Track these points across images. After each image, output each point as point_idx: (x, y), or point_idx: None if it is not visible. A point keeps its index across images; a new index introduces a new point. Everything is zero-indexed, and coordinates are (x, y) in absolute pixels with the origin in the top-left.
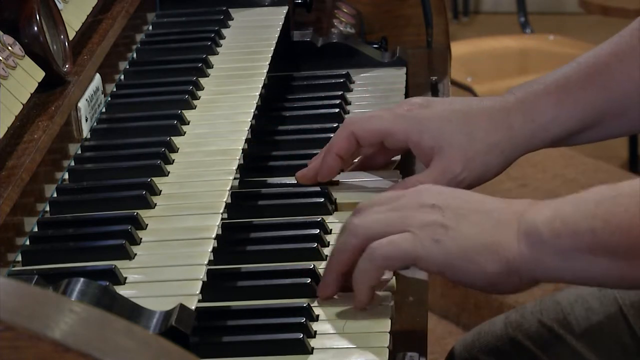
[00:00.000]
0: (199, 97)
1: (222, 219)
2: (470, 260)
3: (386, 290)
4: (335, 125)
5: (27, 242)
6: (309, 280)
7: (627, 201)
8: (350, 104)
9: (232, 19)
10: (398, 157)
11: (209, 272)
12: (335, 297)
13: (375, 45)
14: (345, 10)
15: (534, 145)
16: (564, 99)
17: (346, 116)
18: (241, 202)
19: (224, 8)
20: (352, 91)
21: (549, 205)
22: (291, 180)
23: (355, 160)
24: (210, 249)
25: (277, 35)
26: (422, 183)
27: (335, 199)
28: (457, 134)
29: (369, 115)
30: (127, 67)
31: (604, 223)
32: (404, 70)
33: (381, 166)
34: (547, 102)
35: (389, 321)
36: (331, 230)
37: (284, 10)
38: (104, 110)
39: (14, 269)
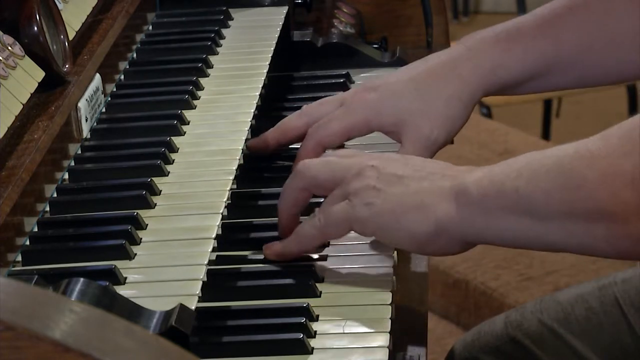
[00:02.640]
0: (199, 97)
1: (222, 219)
2: (398, 220)
3: (386, 290)
4: None
5: (27, 242)
6: (309, 281)
7: (550, 162)
8: None
9: (232, 19)
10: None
11: (209, 272)
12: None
13: (375, 45)
14: (345, 10)
15: (488, 89)
16: (513, 46)
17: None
18: (241, 202)
19: (224, 8)
20: None
21: (484, 168)
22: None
23: None
24: (210, 249)
25: (277, 35)
26: None
27: None
28: (413, 102)
29: (327, 120)
30: (127, 67)
31: (526, 183)
32: None
33: None
34: (496, 48)
35: (389, 321)
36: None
37: (284, 10)
38: (104, 110)
39: (14, 269)
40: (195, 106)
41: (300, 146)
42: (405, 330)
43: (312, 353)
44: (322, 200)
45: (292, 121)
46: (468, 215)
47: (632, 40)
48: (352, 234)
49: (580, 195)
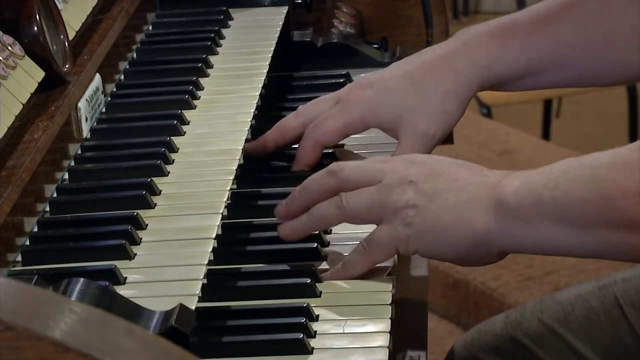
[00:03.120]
0: (199, 97)
1: (222, 219)
2: (438, 237)
3: (386, 290)
4: None
5: (27, 242)
6: (309, 280)
7: (587, 172)
8: None
9: (232, 19)
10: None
11: (209, 272)
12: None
13: (375, 45)
14: (345, 10)
15: (483, 84)
16: (509, 41)
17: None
18: (241, 202)
19: (224, 8)
20: None
21: (519, 176)
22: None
23: None
24: (210, 249)
25: (277, 35)
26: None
27: None
28: (410, 97)
29: (321, 119)
30: (127, 67)
31: (563, 193)
32: None
33: None
34: (491, 43)
35: (389, 321)
36: (331, 230)
37: (284, 10)
38: (104, 110)
39: (14, 269)
40: (195, 106)
41: (299, 146)
42: (405, 330)
43: (312, 353)
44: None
45: (289, 122)
46: (507, 226)
47: (629, 40)
48: (354, 230)
49: (618, 206)
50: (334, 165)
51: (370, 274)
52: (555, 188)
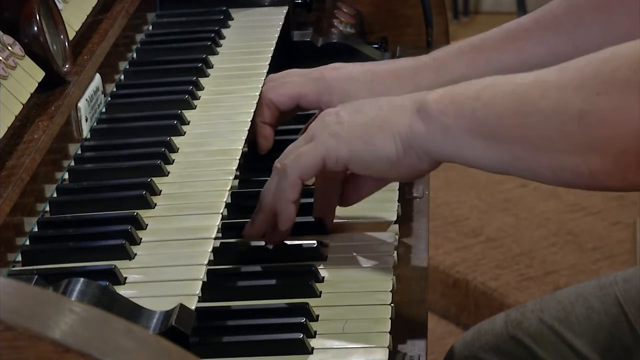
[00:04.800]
0: (199, 97)
1: (222, 219)
2: (366, 142)
3: (386, 290)
4: None
5: (27, 242)
6: (309, 280)
7: (509, 88)
8: None
9: (232, 19)
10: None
11: (209, 272)
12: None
13: (375, 45)
14: (345, 10)
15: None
16: (476, 58)
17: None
18: (241, 202)
19: (224, 8)
20: None
21: (445, 87)
22: None
23: None
24: (210, 249)
25: (277, 35)
26: None
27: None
28: (361, 91)
29: (283, 81)
30: (127, 67)
31: (483, 106)
32: None
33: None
34: (459, 60)
35: (389, 321)
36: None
37: (284, 10)
38: (104, 110)
39: (14, 269)
40: (195, 106)
41: (257, 105)
42: (405, 330)
43: (312, 353)
44: None
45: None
46: (429, 130)
47: (600, 49)
48: (354, 230)
49: (531, 123)
50: (278, 169)
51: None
52: (476, 100)
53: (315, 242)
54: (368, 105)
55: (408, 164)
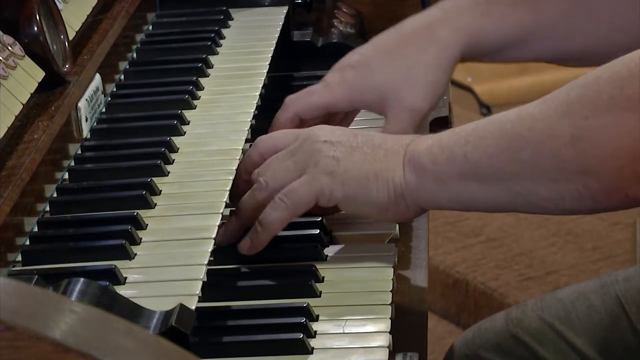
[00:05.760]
0: (199, 97)
1: (222, 219)
2: (361, 187)
3: (386, 290)
4: None
5: (27, 242)
6: (309, 280)
7: (495, 128)
8: None
9: (232, 19)
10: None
11: (209, 272)
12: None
13: None
14: (345, 10)
15: (464, 53)
16: (491, 11)
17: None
18: None
19: (224, 8)
20: None
21: (433, 136)
22: None
23: None
24: (210, 249)
25: (277, 35)
26: (392, 132)
27: None
28: (392, 74)
29: (306, 91)
30: (127, 67)
31: (474, 148)
32: None
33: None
34: (474, 12)
35: (389, 321)
36: (331, 231)
37: (284, 10)
38: (104, 110)
39: (14, 269)
40: (195, 106)
41: (276, 115)
42: (405, 330)
43: (312, 353)
44: None
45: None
46: (421, 182)
47: (613, 19)
48: (355, 231)
49: (523, 157)
50: (257, 181)
51: (371, 274)
52: (466, 144)
53: (316, 242)
54: (364, 142)
55: (396, 211)
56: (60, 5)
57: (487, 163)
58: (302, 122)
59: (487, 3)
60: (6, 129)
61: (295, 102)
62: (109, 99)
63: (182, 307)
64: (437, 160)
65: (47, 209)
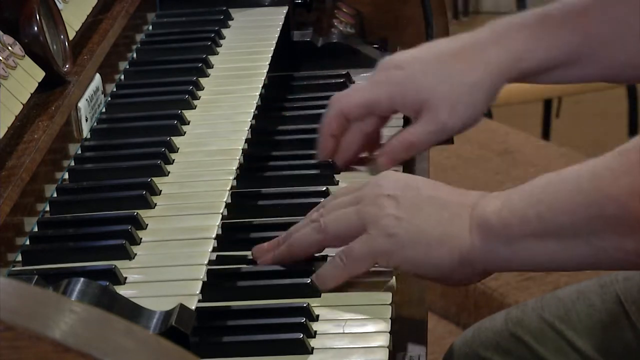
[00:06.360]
0: (199, 97)
1: (222, 218)
2: (423, 252)
3: (386, 290)
4: None
5: (27, 242)
6: (309, 280)
7: (569, 185)
8: None
9: (232, 19)
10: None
11: (209, 272)
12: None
13: (375, 45)
14: (345, 10)
15: (511, 76)
16: (540, 32)
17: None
18: (241, 202)
19: (224, 8)
20: None
21: (499, 196)
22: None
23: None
24: (210, 249)
25: (277, 35)
26: (413, 136)
27: None
28: (438, 85)
29: (351, 89)
30: (127, 67)
31: (548, 207)
32: None
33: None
34: (523, 33)
35: (389, 321)
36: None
37: (284, 10)
38: (104, 110)
39: (14, 269)
40: (195, 106)
41: (324, 115)
42: (405, 330)
43: (312, 353)
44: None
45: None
46: (491, 247)
47: None
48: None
49: (607, 213)
50: (315, 221)
51: (371, 274)
52: (538, 204)
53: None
54: (428, 200)
55: (460, 276)
56: (60, 5)
57: (567, 220)
58: (347, 120)
59: (535, 25)
60: (6, 129)
61: (340, 100)
62: (109, 99)
63: (182, 307)
64: (508, 222)
65: (47, 209)
